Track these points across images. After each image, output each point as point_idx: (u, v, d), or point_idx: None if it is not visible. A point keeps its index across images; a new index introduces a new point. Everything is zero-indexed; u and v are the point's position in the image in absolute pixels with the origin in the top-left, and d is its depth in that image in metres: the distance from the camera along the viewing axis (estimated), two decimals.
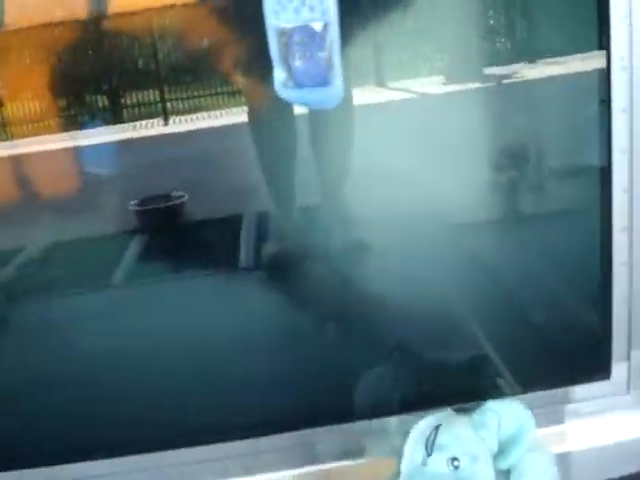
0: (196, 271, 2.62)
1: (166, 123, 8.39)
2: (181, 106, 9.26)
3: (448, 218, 2.66)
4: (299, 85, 1.07)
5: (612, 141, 1.32)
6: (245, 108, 2.73)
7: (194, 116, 8.71)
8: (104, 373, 1.89)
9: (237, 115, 7.84)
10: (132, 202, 3.30)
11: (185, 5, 1.94)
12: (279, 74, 1.08)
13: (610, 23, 1.26)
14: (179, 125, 7.95)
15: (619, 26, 1.26)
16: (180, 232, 3.10)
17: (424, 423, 1.17)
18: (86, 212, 3.75)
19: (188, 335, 2.08)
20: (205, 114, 8.81)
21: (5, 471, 1.36)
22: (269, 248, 2.59)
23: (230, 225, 3.09)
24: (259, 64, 2.38)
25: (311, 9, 1.03)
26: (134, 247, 2.97)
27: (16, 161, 6.91)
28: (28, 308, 2.48)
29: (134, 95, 9.45)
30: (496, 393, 1.33)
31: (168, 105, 9.05)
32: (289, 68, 1.07)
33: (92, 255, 2.86)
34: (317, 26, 1.04)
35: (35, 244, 3.10)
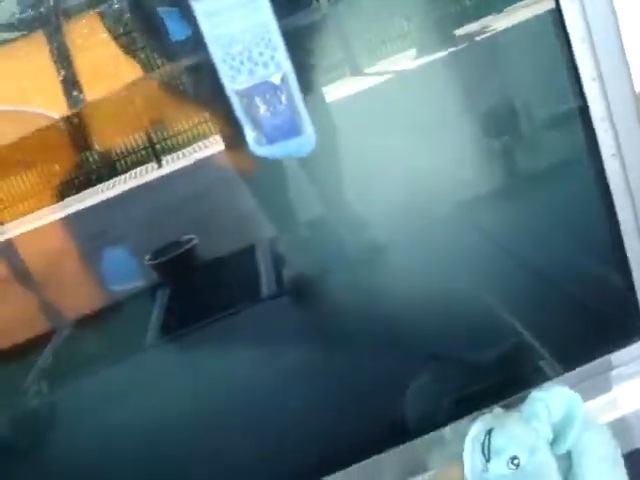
0: (226, 310, 2.62)
1: (159, 165, 8.40)
2: (170, 143, 9.25)
3: (452, 196, 2.64)
4: (271, 140, 1.08)
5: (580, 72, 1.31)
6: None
7: (185, 151, 8.71)
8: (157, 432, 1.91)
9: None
10: (147, 257, 3.32)
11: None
12: (249, 133, 1.09)
13: None
14: (173, 164, 7.96)
15: None
16: (199, 276, 3.12)
17: (476, 429, 1.18)
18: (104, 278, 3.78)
19: (232, 377, 2.10)
20: (196, 146, 8.80)
21: None
22: (289, 271, 2.60)
23: (245, 256, 3.09)
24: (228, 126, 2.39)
25: (265, 66, 1.04)
26: (159, 301, 2.99)
27: (20, 241, 6.94)
28: (70, 388, 2.50)
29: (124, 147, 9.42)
30: (538, 379, 1.33)
31: (158, 147, 9.06)
32: (258, 126, 1.07)
33: (121, 321, 2.89)
34: (275, 79, 1.05)
35: (64, 324, 3.13)
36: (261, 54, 1.03)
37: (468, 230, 2.40)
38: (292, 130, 1.06)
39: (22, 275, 4.66)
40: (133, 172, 8.62)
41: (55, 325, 3.17)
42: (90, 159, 10.23)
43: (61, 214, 7.47)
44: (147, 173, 7.90)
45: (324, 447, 1.47)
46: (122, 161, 9.75)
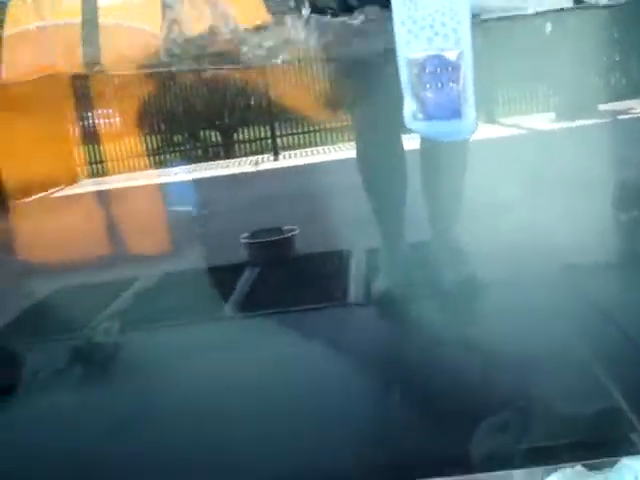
0: (306, 304, 2.60)
1: (276, 158, 8.62)
2: (291, 142, 9.48)
3: (566, 258, 2.56)
4: (430, 117, 1.02)
5: None
6: (353, 144, 2.72)
7: (303, 151, 8.91)
8: (214, 405, 1.87)
9: (346, 150, 7.94)
10: (245, 235, 3.34)
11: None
12: (409, 105, 1.04)
13: None
14: (289, 160, 8.15)
15: None
16: (291, 265, 3.11)
17: (555, 478, 1.09)
18: (200, 243, 3.83)
19: (294, 370, 2.05)
20: (314, 149, 8.99)
21: None
22: (379, 284, 2.54)
23: (339, 259, 3.07)
24: (373, 100, 2.39)
25: (445, 38, 0.99)
26: (246, 279, 2.99)
27: (134, 194, 7.21)
28: (141, 340, 2.52)
29: (246, 131, 9.74)
30: (631, 449, 1.23)
31: (278, 141, 9.30)
32: (420, 99, 1.02)
33: (205, 286, 2.90)
34: (451, 55, 0.99)
35: (150, 275, 3.17)
36: (444, 24, 0.98)
37: (575, 296, 2.30)
38: (454, 111, 1.00)
39: (122, 222, 4.80)
40: (251, 158, 8.83)
41: (141, 274, 3.20)
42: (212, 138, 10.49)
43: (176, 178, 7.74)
44: (264, 162, 8.10)
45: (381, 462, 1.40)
46: (242, 145, 9.96)
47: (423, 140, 2.47)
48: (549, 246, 2.65)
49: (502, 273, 2.48)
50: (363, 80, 2.32)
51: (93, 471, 1.60)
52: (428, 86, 1.01)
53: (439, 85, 1.00)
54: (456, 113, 1.00)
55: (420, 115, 1.03)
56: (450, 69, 0.99)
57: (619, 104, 8.41)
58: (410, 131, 1.12)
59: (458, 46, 0.99)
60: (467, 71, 1.00)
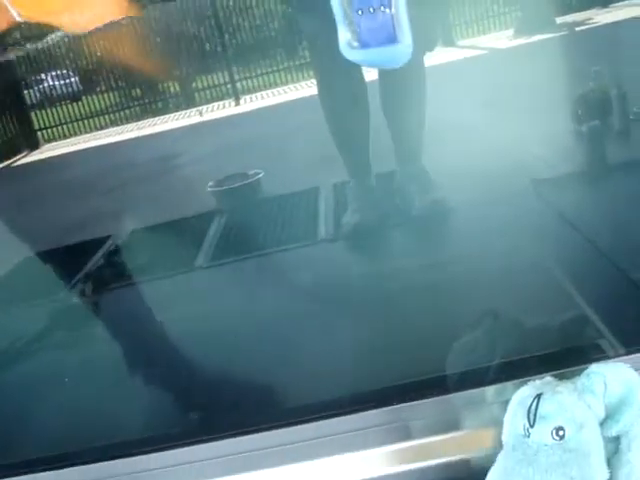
0: (277, 246, 2.60)
1: (237, 103, 8.48)
2: (251, 84, 9.31)
3: (530, 172, 2.57)
4: (365, 45, 1.00)
5: None
6: (312, 81, 2.68)
7: (263, 93, 8.76)
8: (194, 353, 1.89)
9: (305, 89, 7.84)
10: (210, 183, 3.32)
11: None
12: (343, 34, 1.02)
13: None
14: (250, 104, 8.02)
15: None
16: (259, 208, 3.10)
17: (524, 392, 1.11)
18: (167, 196, 3.81)
19: (274, 309, 2.07)
20: (275, 90, 8.85)
21: None
22: (348, 219, 2.54)
23: (308, 198, 3.06)
24: (323, 30, 2.35)
25: None
26: (215, 227, 2.97)
27: (97, 151, 7.11)
28: (115, 294, 2.52)
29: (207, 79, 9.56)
30: (599, 356, 1.25)
31: (238, 85, 9.13)
32: (353, 27, 1.00)
33: (175, 238, 2.89)
34: None
35: (119, 230, 3.15)
36: None
37: (541, 208, 2.32)
38: (389, 37, 0.98)
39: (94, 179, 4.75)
40: (212, 105, 8.71)
41: (112, 231, 3.18)
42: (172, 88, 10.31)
43: (138, 133, 7.64)
44: (224, 108, 7.99)
45: (358, 384, 1.42)
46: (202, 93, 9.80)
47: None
48: (514, 164, 2.66)
49: (468, 194, 2.48)
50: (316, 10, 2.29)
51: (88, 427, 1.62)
52: (360, 12, 0.99)
53: (370, 10, 0.98)
54: (390, 38, 0.98)
55: (355, 43, 1.01)
56: None
57: (576, 15, 8.35)
58: None
59: None
60: None
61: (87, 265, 2.85)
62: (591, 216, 2.14)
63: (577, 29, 7.29)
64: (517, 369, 1.24)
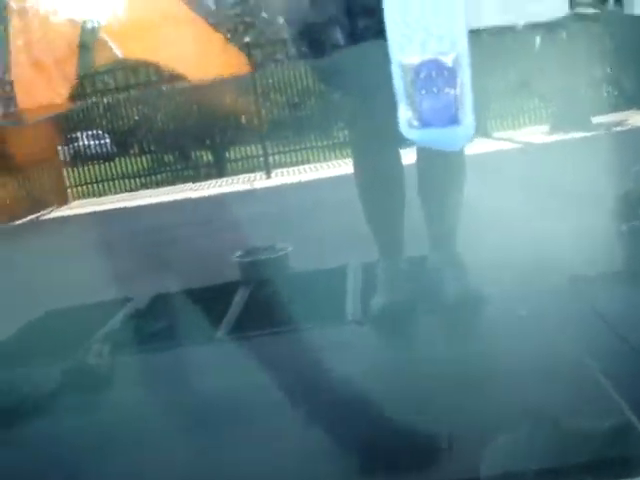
0: (302, 323, 2.54)
1: (268, 176, 8.57)
2: (283, 159, 9.43)
3: (568, 268, 2.51)
4: (426, 124, 0.97)
5: None
6: (347, 160, 2.68)
7: (295, 169, 8.85)
8: (212, 424, 1.82)
9: (338, 167, 7.91)
10: (237, 254, 3.29)
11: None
12: (404, 113, 0.98)
13: None
14: (281, 178, 8.09)
15: None
16: (285, 283, 3.05)
17: None
18: (192, 263, 3.78)
19: (291, 389, 1.99)
20: (307, 167, 8.94)
21: None
22: (377, 301, 2.48)
23: (335, 276, 3.01)
24: (363, 110, 2.35)
25: (439, 40, 0.94)
26: (238, 298, 2.92)
27: (124, 213, 7.14)
28: (134, 359, 2.46)
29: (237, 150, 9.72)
30: None
31: (270, 159, 9.25)
32: (415, 106, 0.97)
33: (197, 305, 2.84)
34: (447, 59, 0.94)
35: (142, 295, 3.11)
36: (438, 26, 0.93)
37: (578, 305, 2.25)
38: (451, 118, 0.95)
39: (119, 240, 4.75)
40: (242, 177, 8.79)
41: (134, 293, 3.14)
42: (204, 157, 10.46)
43: (168, 198, 7.72)
44: (255, 181, 8.06)
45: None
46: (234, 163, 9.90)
47: (420, 151, 2.43)
48: (549, 258, 2.61)
49: (504, 286, 2.42)
50: (358, 91, 2.29)
51: None
52: (423, 92, 0.96)
53: (435, 90, 0.95)
54: (453, 119, 0.95)
55: (416, 123, 0.98)
56: (446, 73, 0.94)
57: (613, 116, 8.41)
58: (407, 143, 1.08)
59: (454, 49, 0.94)
60: (464, 75, 0.95)
61: (106, 325, 2.80)
62: (632, 317, 2.06)
63: (614, 129, 7.34)
64: (558, 476, 1.17)
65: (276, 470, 1.53)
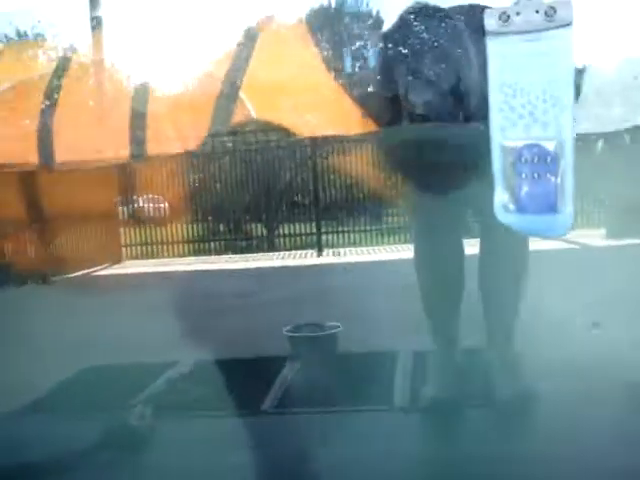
0: (348, 405, 2.48)
1: (319, 254, 8.59)
2: (335, 239, 9.45)
3: (627, 376, 2.41)
4: (522, 210, 0.94)
5: None
6: (397, 246, 2.66)
7: (347, 250, 8.86)
8: None
9: (389, 252, 7.87)
10: (287, 328, 3.25)
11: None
12: (500, 196, 0.96)
13: None
14: (332, 257, 8.08)
15: None
16: (333, 363, 2.99)
17: None
18: (239, 333, 3.75)
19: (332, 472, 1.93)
20: (357, 249, 8.94)
21: None
22: (428, 391, 2.41)
23: (385, 360, 2.95)
24: (429, 196, 2.33)
25: (544, 127, 0.92)
26: (285, 373, 2.88)
27: (175, 276, 7.20)
28: (174, 424, 2.41)
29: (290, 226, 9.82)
30: None
31: (323, 238, 9.29)
32: (513, 190, 0.94)
33: (243, 376, 2.80)
34: (550, 145, 0.92)
35: (185, 361, 3.09)
36: (545, 112, 0.91)
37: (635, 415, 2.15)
38: (550, 205, 0.92)
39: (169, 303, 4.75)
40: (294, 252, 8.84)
41: (179, 357, 3.11)
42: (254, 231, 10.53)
43: (218, 266, 7.78)
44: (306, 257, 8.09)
45: None
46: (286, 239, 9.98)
47: (483, 243, 2.40)
48: (610, 365, 2.52)
49: (558, 390, 2.34)
50: (426, 181, 2.29)
51: None
52: (523, 176, 0.93)
53: (535, 176, 0.93)
54: (552, 207, 0.92)
55: (512, 207, 0.95)
56: (549, 160, 0.92)
57: None
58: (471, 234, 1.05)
59: (559, 136, 0.91)
60: (567, 163, 0.92)
61: (149, 387, 2.77)
62: None
63: None
64: None
65: None
